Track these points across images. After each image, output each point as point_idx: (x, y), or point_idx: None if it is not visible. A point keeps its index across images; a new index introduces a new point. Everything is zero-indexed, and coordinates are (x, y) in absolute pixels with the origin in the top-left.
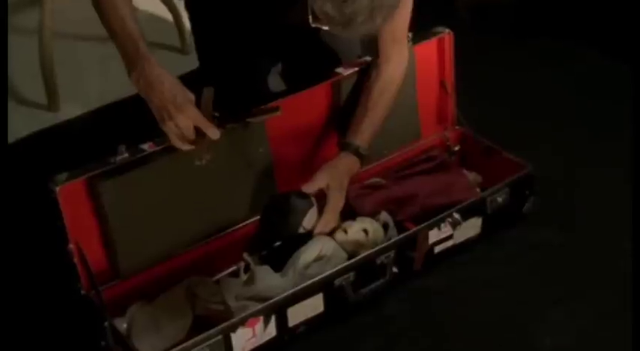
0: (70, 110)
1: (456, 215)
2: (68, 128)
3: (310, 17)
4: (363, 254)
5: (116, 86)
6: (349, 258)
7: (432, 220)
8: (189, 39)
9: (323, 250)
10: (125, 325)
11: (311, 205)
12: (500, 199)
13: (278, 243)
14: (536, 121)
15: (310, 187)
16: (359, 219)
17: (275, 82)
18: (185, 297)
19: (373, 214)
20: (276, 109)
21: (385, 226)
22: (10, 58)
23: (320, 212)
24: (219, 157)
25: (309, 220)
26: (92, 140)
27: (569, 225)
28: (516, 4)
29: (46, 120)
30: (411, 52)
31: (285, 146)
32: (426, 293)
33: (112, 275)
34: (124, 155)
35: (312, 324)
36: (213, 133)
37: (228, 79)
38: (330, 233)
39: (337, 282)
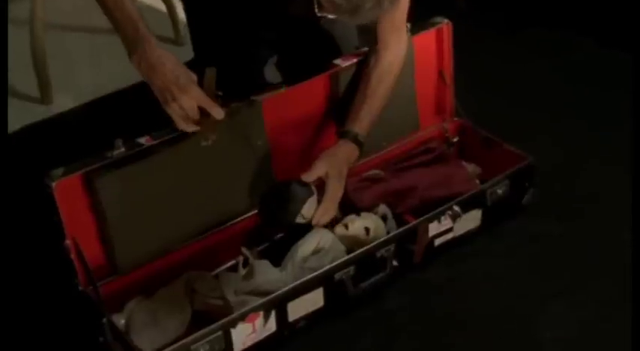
0: (63, 103)
1: (456, 208)
2: (62, 121)
3: (316, 6)
4: (362, 248)
5: (109, 78)
6: (347, 253)
7: (431, 213)
8: (184, 30)
9: (321, 243)
10: (123, 321)
11: (311, 194)
12: (500, 191)
13: (278, 236)
14: (533, 112)
15: (309, 176)
16: (363, 215)
17: (271, 73)
18: (184, 292)
19: (372, 207)
20: (280, 85)
21: (384, 218)
22: None
23: (319, 201)
24: (217, 150)
25: (308, 209)
26: (86, 133)
27: (569, 216)
28: None
29: (38, 113)
30: (410, 42)
31: (284, 139)
32: (426, 286)
33: (109, 271)
34: (120, 150)
35: (312, 319)
36: (218, 112)
37: (224, 70)
38: (330, 225)
39: (337, 276)
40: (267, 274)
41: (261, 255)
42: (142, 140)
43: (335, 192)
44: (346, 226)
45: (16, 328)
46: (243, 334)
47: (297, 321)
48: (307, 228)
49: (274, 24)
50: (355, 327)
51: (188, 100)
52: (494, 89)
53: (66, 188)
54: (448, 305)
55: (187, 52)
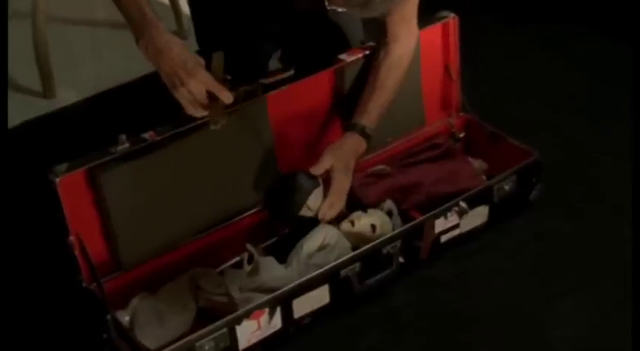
0: (66, 97)
1: (463, 204)
2: (65, 116)
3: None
4: (368, 245)
5: (111, 71)
6: (353, 250)
7: (438, 209)
8: (187, 24)
9: (326, 239)
10: (127, 318)
11: (317, 185)
12: (507, 187)
13: (283, 232)
14: (540, 107)
15: (316, 170)
16: (369, 212)
17: (275, 67)
18: (188, 289)
19: (377, 203)
20: (289, 68)
21: (389, 214)
22: None
23: (326, 195)
24: (222, 145)
25: (314, 200)
26: (90, 128)
27: (576, 213)
28: None
29: (41, 107)
30: None
31: (288, 134)
32: (433, 283)
33: (113, 267)
34: (124, 145)
35: (317, 315)
36: (226, 96)
37: (228, 63)
38: (336, 221)
39: (343, 273)
40: (272, 270)
41: (266, 251)
42: (146, 136)
43: (341, 185)
44: (352, 223)
45: (19, 325)
46: (248, 331)
47: (302, 318)
48: (313, 224)
49: (280, 18)
50: (361, 324)
51: (196, 85)
52: (501, 84)
53: (70, 184)
54: (455, 302)
55: (191, 46)
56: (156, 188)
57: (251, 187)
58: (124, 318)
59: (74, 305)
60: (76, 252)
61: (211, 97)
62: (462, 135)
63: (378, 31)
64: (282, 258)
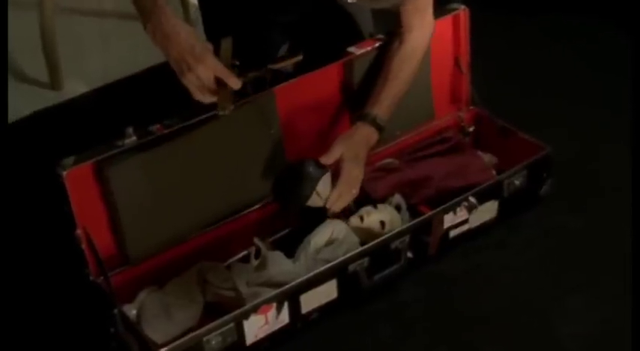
0: (73, 88)
1: (472, 199)
2: (73, 107)
3: None
4: (377, 240)
5: (119, 62)
6: (361, 245)
7: (447, 204)
8: (195, 13)
9: (334, 234)
10: (135, 312)
11: (325, 172)
12: (517, 182)
13: (291, 227)
14: (551, 100)
15: (326, 159)
16: (379, 208)
17: None
18: (196, 283)
19: (386, 197)
20: (298, 54)
21: (397, 208)
22: (9, 35)
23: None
24: (230, 139)
25: (323, 187)
26: (97, 120)
27: (587, 208)
28: None
29: (49, 98)
30: None
31: (297, 128)
32: (441, 279)
33: (121, 261)
34: (132, 138)
35: (325, 311)
36: (235, 82)
37: (237, 54)
38: (343, 215)
39: (351, 268)
40: (279, 265)
41: (274, 246)
42: (153, 129)
43: (350, 175)
44: (361, 218)
45: (27, 319)
46: (256, 326)
47: (310, 313)
48: (321, 217)
49: (289, 8)
50: (369, 319)
51: (204, 70)
52: (511, 77)
53: (77, 177)
54: (463, 298)
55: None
56: (163, 181)
57: (259, 180)
58: (131, 312)
59: (81, 299)
60: (83, 246)
61: (219, 82)
62: (471, 129)
63: (391, 22)
64: (290, 252)
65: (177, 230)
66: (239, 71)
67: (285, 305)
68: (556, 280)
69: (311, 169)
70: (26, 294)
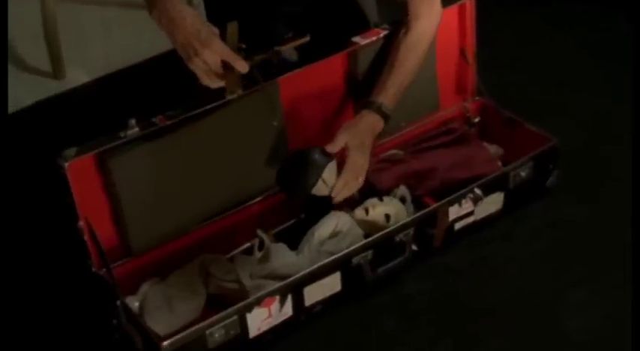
0: (75, 77)
1: (478, 191)
2: (74, 97)
3: None
4: (381, 232)
5: (121, 50)
6: (365, 237)
7: (452, 196)
8: (198, 4)
9: (339, 226)
10: (137, 304)
11: (331, 159)
12: (523, 174)
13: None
14: (558, 90)
15: (332, 147)
16: (385, 201)
17: (288, 49)
18: (199, 275)
19: (391, 189)
20: (305, 35)
21: (402, 200)
22: (11, 23)
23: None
24: (233, 130)
25: (329, 175)
26: (100, 109)
27: (593, 199)
28: None
29: (51, 88)
30: None
31: (301, 119)
32: (446, 271)
33: (123, 252)
34: (134, 129)
35: (328, 303)
36: (242, 65)
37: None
38: (348, 206)
39: (355, 260)
40: (283, 257)
41: (278, 238)
42: (156, 120)
43: (356, 163)
44: (366, 211)
45: (29, 311)
46: (259, 318)
47: (313, 306)
48: (325, 208)
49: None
50: (373, 312)
51: (211, 54)
52: (517, 67)
53: (79, 169)
54: (468, 291)
55: None
56: (166, 173)
57: (262, 172)
58: (134, 304)
59: (84, 291)
60: (86, 237)
61: (226, 66)
62: (477, 120)
63: (396, 12)
64: (294, 244)
65: (180, 222)
66: (246, 54)
67: (289, 298)
68: (562, 272)
69: (317, 156)
70: (28, 286)
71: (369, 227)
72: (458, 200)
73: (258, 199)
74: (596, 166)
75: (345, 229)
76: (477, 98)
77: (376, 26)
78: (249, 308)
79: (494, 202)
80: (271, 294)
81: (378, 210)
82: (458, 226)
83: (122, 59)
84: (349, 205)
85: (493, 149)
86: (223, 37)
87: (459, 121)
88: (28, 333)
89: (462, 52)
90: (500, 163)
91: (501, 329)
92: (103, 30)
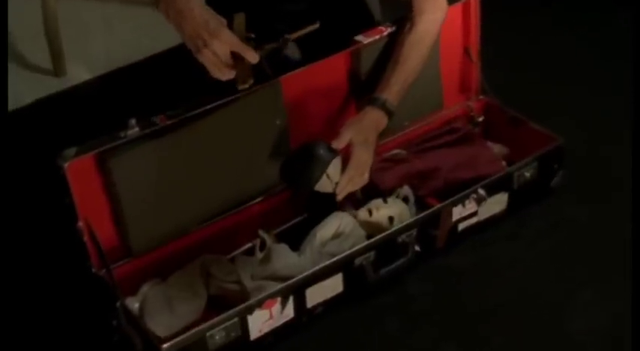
0: (76, 74)
1: (481, 191)
2: (75, 95)
3: None
4: (383, 233)
5: (122, 47)
6: (367, 239)
7: (455, 197)
8: None
9: (341, 227)
10: (137, 305)
11: (336, 155)
12: (527, 174)
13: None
14: (563, 89)
15: (337, 144)
16: (390, 202)
17: (290, 48)
18: (199, 276)
19: (394, 189)
20: (314, 23)
21: (405, 200)
22: (11, 20)
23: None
24: (234, 129)
25: (334, 170)
26: (101, 107)
27: (598, 200)
28: None
29: (51, 85)
30: None
31: (303, 118)
32: (449, 272)
33: (123, 253)
34: (134, 129)
35: (330, 305)
36: (252, 56)
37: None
38: (352, 202)
39: (357, 261)
40: (285, 258)
41: (279, 238)
42: (156, 119)
43: (359, 159)
44: (370, 212)
45: (29, 312)
46: (260, 320)
47: (315, 307)
48: (328, 208)
49: None
50: (375, 313)
51: (220, 45)
52: (522, 65)
53: (79, 169)
54: (472, 292)
55: None
56: (166, 173)
57: (264, 172)
58: (134, 305)
59: (84, 292)
60: (85, 238)
61: (236, 57)
62: (481, 119)
63: (399, 11)
64: (296, 245)
65: (181, 222)
66: (255, 44)
67: (290, 299)
68: (566, 273)
69: (322, 151)
70: (28, 287)
71: (372, 229)
72: (461, 201)
73: (260, 199)
74: (602, 166)
75: (347, 230)
76: (481, 97)
77: (379, 24)
78: (250, 310)
79: (498, 203)
80: (272, 296)
81: (382, 212)
82: (461, 226)
83: (123, 55)
84: (352, 203)
85: (497, 149)
86: (230, 28)
87: (463, 120)
88: (28, 334)
89: (466, 51)
90: (504, 163)
91: (505, 330)
92: (104, 27)
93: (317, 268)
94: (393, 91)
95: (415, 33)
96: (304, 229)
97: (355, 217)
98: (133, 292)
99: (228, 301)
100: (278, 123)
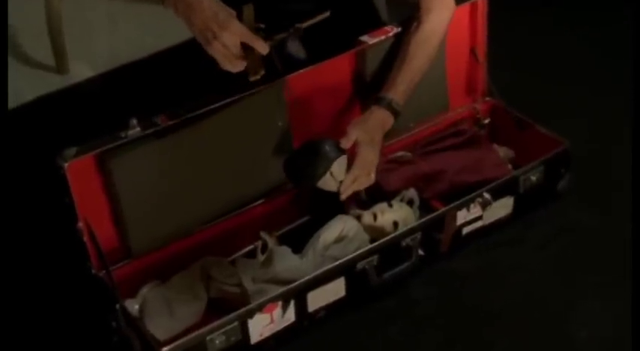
0: (79, 72)
1: (487, 195)
2: (77, 92)
3: None
4: (387, 237)
5: (125, 45)
6: (371, 243)
7: (460, 201)
8: None
9: (345, 231)
10: (137, 307)
11: (342, 153)
12: (534, 178)
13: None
14: (570, 91)
15: (344, 143)
16: (395, 207)
17: (294, 46)
18: (200, 278)
19: (399, 191)
20: (325, 11)
21: (410, 203)
22: (14, 16)
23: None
24: (236, 131)
25: (338, 169)
26: (103, 106)
27: (605, 204)
28: None
29: (53, 83)
30: None
31: (306, 120)
32: (453, 277)
33: (123, 254)
34: (135, 129)
35: (332, 309)
36: (262, 46)
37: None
38: (356, 202)
39: (360, 265)
40: (286, 261)
41: (282, 240)
42: (158, 119)
43: (365, 158)
44: (375, 216)
45: (28, 313)
46: (261, 324)
47: (316, 311)
48: (332, 209)
49: None
50: (378, 318)
51: (230, 37)
52: (522, 65)
53: (79, 169)
54: (476, 297)
55: None
56: (167, 174)
57: (266, 173)
58: (134, 307)
59: (83, 293)
60: (85, 239)
61: (246, 48)
62: (487, 121)
63: (405, 12)
64: (298, 247)
65: (181, 224)
66: (265, 35)
67: (292, 303)
68: (571, 278)
69: (328, 148)
70: (27, 288)
71: (376, 233)
72: (466, 204)
73: (262, 200)
74: (610, 170)
75: (351, 234)
76: (487, 99)
77: (385, 24)
78: (250, 314)
79: (503, 207)
80: (273, 299)
81: (387, 216)
82: (466, 230)
83: (127, 53)
84: (356, 203)
85: (503, 152)
86: (240, 19)
87: (469, 122)
88: (27, 335)
89: (473, 52)
90: (510, 167)
91: (509, 335)
92: (108, 24)
93: (319, 271)
94: (399, 90)
95: (422, 32)
96: (307, 232)
97: (360, 218)
98: (133, 293)
99: (228, 304)
100: (280, 124)
